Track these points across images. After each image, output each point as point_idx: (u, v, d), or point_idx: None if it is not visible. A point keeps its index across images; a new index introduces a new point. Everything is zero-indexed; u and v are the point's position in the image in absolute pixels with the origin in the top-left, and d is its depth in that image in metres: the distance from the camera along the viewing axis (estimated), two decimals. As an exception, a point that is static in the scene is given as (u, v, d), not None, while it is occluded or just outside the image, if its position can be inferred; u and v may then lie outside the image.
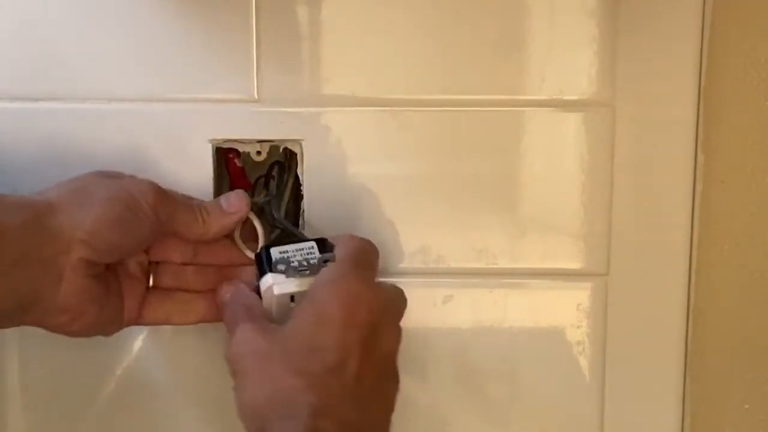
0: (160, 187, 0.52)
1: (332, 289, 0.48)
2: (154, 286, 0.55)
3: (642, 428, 0.62)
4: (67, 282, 0.49)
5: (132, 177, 0.54)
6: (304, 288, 0.50)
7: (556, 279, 0.60)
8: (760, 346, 0.61)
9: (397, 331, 0.51)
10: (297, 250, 0.52)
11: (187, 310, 0.54)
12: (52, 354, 0.60)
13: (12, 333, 0.60)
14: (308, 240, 0.53)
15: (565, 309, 0.60)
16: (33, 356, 0.60)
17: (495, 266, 0.60)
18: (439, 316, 0.60)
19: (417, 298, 0.60)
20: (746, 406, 0.62)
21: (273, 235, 0.56)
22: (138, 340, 0.60)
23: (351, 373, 0.47)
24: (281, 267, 0.51)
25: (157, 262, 0.55)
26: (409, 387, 0.60)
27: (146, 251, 0.54)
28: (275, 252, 0.52)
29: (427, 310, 0.60)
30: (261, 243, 0.55)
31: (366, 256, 0.52)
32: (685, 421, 0.62)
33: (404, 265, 0.60)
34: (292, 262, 0.52)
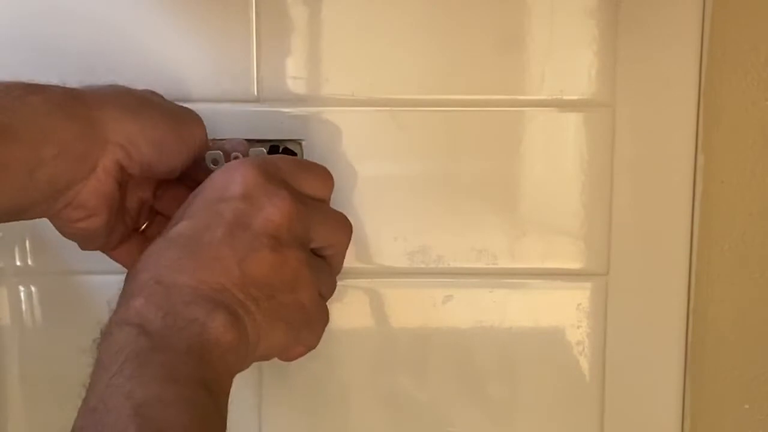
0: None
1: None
2: (141, 231, 0.54)
3: (642, 428, 0.61)
4: (97, 180, 0.48)
5: (192, 113, 0.53)
6: None
7: (556, 279, 0.60)
8: (760, 346, 0.61)
9: (281, 202, 0.48)
10: None
11: None
12: (52, 354, 0.60)
13: (12, 333, 0.60)
14: None
15: (565, 309, 0.60)
16: (33, 356, 0.60)
17: (495, 266, 0.60)
18: (439, 316, 0.60)
19: (417, 298, 0.60)
20: (746, 406, 0.62)
21: None
22: (138, 340, 0.60)
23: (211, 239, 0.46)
24: None
25: (158, 213, 0.55)
26: (409, 387, 0.60)
27: (154, 195, 0.54)
28: None
29: (427, 310, 0.60)
30: None
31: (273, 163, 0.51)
32: (685, 421, 0.62)
33: (404, 265, 0.59)
34: None
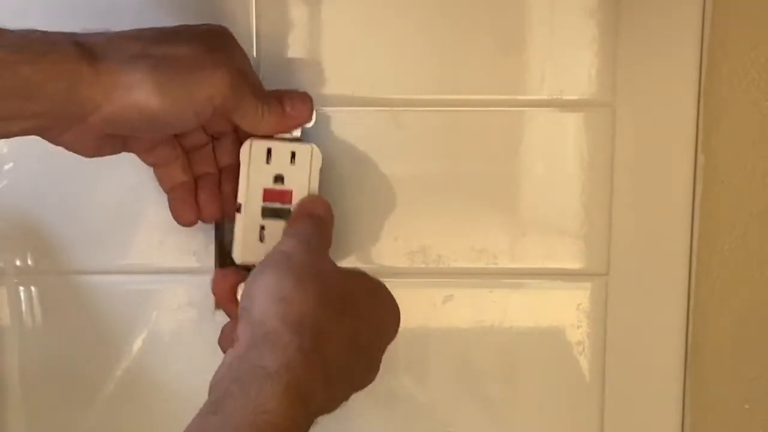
0: (234, 85, 0.49)
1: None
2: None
3: (642, 428, 0.62)
4: (82, 134, 0.49)
5: (210, 66, 0.49)
6: None
7: (556, 279, 0.60)
8: (760, 346, 0.61)
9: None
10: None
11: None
12: (52, 354, 0.60)
13: (12, 333, 0.60)
14: None
15: (565, 309, 0.60)
16: (33, 356, 0.60)
17: (495, 266, 0.60)
18: (439, 316, 0.60)
19: (417, 298, 0.60)
20: (746, 406, 0.62)
21: None
22: (138, 340, 0.60)
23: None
24: None
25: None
26: (409, 387, 0.60)
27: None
28: None
29: (427, 310, 0.60)
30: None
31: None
32: (685, 421, 0.62)
33: (404, 265, 0.60)
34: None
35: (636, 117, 0.58)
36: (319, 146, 0.53)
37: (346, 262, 0.59)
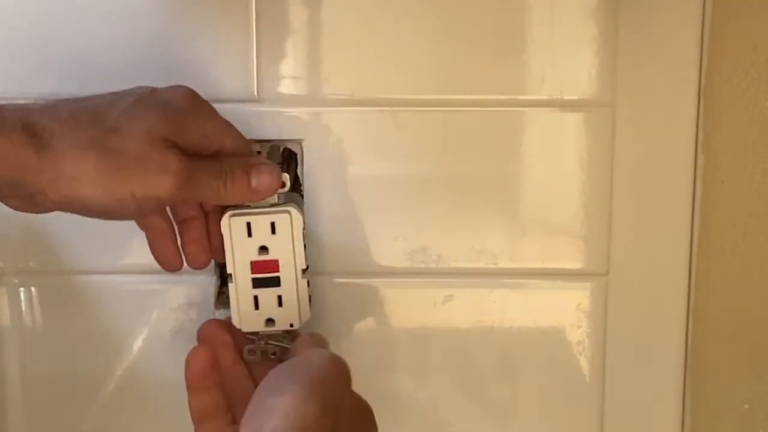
0: (182, 184, 0.48)
1: None
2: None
3: (642, 428, 0.62)
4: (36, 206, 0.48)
5: (158, 164, 0.48)
6: None
7: (556, 279, 0.60)
8: (760, 346, 0.61)
9: None
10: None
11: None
12: (52, 354, 0.60)
13: (12, 333, 0.60)
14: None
15: (565, 309, 0.60)
16: (33, 356, 0.60)
17: (495, 266, 0.60)
18: (439, 316, 0.60)
19: (417, 298, 0.60)
20: (746, 406, 0.62)
21: None
22: (138, 340, 0.60)
23: None
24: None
25: None
26: (409, 387, 0.60)
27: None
28: None
29: (427, 310, 0.60)
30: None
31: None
32: (685, 421, 0.62)
33: (404, 265, 0.59)
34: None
35: (636, 117, 0.58)
36: (297, 208, 0.52)
37: (347, 262, 0.59)
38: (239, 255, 0.52)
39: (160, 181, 0.47)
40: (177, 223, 0.54)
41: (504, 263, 0.60)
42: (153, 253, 0.53)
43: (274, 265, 0.52)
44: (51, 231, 0.59)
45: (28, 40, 0.57)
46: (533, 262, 0.60)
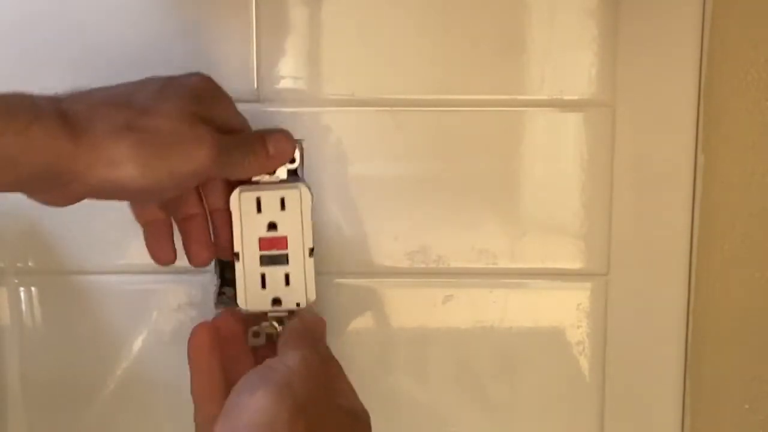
0: (216, 158, 0.48)
1: None
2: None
3: (642, 428, 0.62)
4: (65, 197, 0.48)
5: (192, 141, 0.48)
6: None
7: (556, 279, 0.60)
8: (760, 346, 0.61)
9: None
10: None
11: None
12: (52, 354, 0.60)
13: (12, 333, 0.60)
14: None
15: (565, 309, 0.60)
16: (33, 356, 0.60)
17: (495, 266, 0.60)
18: (439, 316, 0.60)
19: (417, 298, 0.60)
20: (746, 406, 0.62)
21: None
22: (138, 340, 0.60)
23: None
24: None
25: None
26: (409, 387, 0.60)
27: None
28: None
29: (427, 310, 0.60)
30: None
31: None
32: (685, 421, 0.62)
33: (404, 265, 0.60)
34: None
35: (636, 117, 0.58)
36: (306, 185, 0.53)
37: (347, 262, 0.59)
38: (248, 231, 0.52)
39: (197, 154, 0.48)
40: (179, 221, 0.54)
41: (504, 263, 0.60)
42: (148, 247, 0.54)
43: (282, 242, 0.53)
44: (51, 231, 0.59)
45: (29, 37, 0.57)
46: (533, 262, 0.60)
